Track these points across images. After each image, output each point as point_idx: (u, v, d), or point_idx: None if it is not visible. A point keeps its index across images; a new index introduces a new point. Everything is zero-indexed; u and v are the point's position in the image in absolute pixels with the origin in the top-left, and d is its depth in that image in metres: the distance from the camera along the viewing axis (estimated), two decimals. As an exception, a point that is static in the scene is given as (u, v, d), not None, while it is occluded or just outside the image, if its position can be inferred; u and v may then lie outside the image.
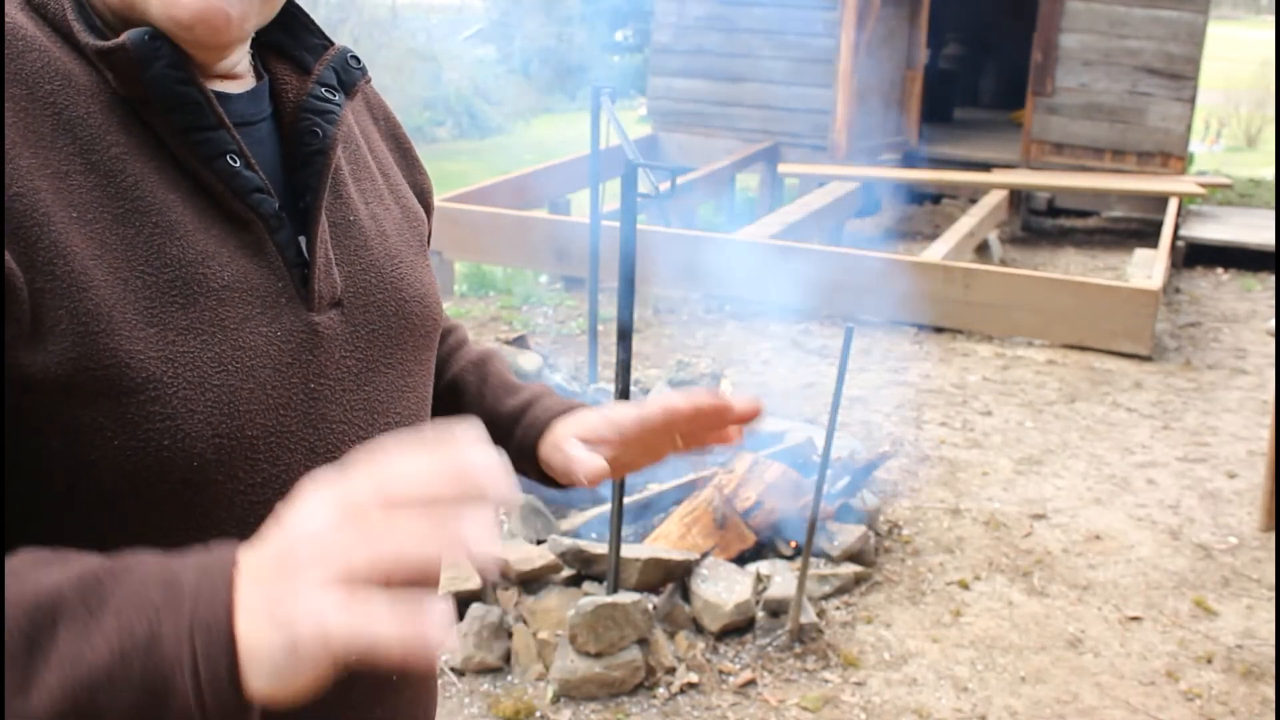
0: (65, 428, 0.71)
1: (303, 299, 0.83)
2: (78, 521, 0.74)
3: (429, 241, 1.04)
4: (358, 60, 0.94)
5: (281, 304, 0.81)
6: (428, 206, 1.07)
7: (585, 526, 3.50)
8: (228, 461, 0.77)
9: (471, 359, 1.16)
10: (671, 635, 3.11)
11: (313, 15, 0.94)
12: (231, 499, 0.78)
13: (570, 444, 1.02)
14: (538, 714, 2.87)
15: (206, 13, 0.77)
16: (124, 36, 0.75)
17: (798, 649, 3.14)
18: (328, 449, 0.84)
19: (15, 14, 0.75)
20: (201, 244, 0.77)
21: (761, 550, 3.46)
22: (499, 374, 1.15)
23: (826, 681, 3.05)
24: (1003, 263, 7.80)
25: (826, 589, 3.44)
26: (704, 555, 3.28)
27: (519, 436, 1.08)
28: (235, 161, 0.80)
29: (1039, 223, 9.47)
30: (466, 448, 0.56)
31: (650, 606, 3.02)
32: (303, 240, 0.84)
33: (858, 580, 3.53)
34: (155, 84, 0.76)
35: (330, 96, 0.90)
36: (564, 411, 1.08)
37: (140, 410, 0.72)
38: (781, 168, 9.38)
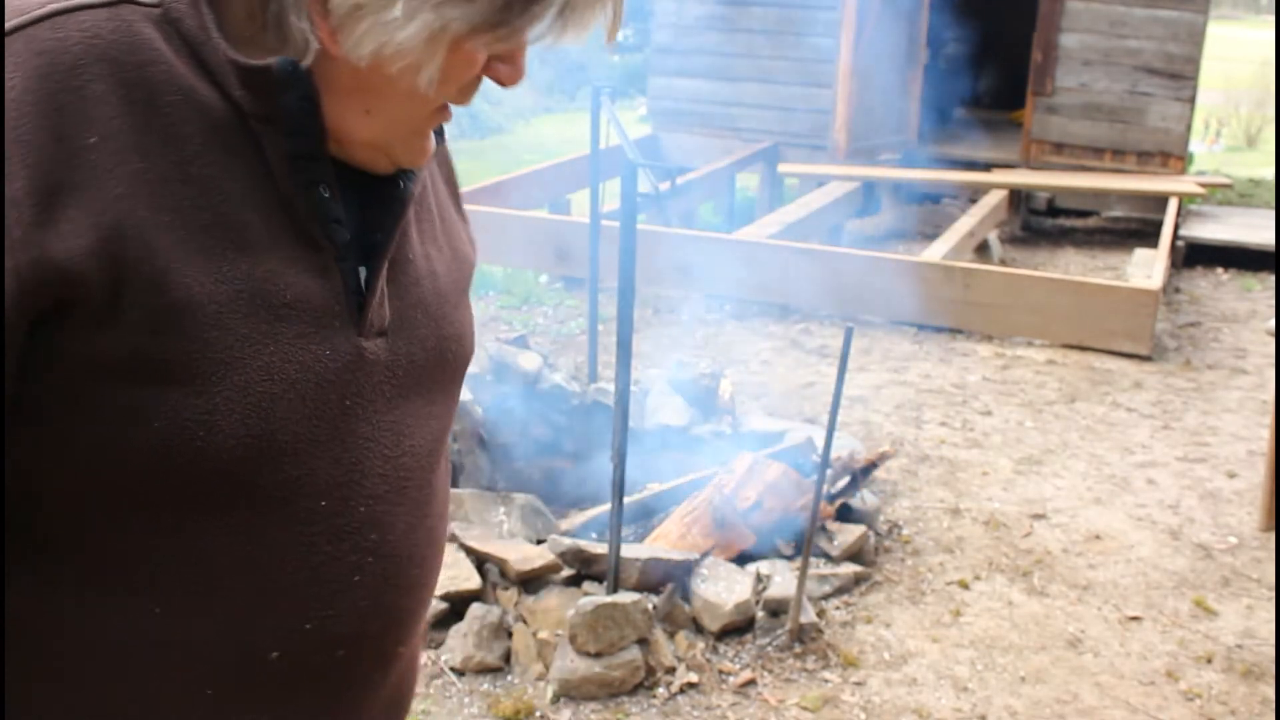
0: (116, 406, 0.79)
1: (355, 324, 0.90)
2: (103, 498, 0.81)
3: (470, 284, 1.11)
4: (441, 130, 1.02)
5: (335, 326, 0.88)
6: (474, 251, 1.15)
7: (585, 526, 3.50)
8: (255, 460, 0.83)
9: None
10: (671, 635, 3.11)
11: None
12: (253, 494, 0.85)
13: None
14: (538, 714, 2.87)
15: (419, 161, 0.92)
16: (272, 60, 0.82)
17: (798, 649, 3.14)
18: (352, 460, 0.91)
19: (146, 28, 0.81)
20: (273, 262, 0.85)
21: (761, 550, 3.46)
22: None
23: (826, 681, 3.05)
24: (1003, 263, 7.80)
25: (826, 589, 3.44)
26: (704, 555, 3.28)
27: None
28: (325, 191, 0.87)
29: (1039, 223, 9.47)
30: None
31: (650, 606, 3.02)
32: (364, 271, 0.91)
33: (858, 580, 3.53)
34: (287, 108, 0.84)
35: None
36: None
37: (184, 402, 0.80)
38: (781, 168, 9.38)
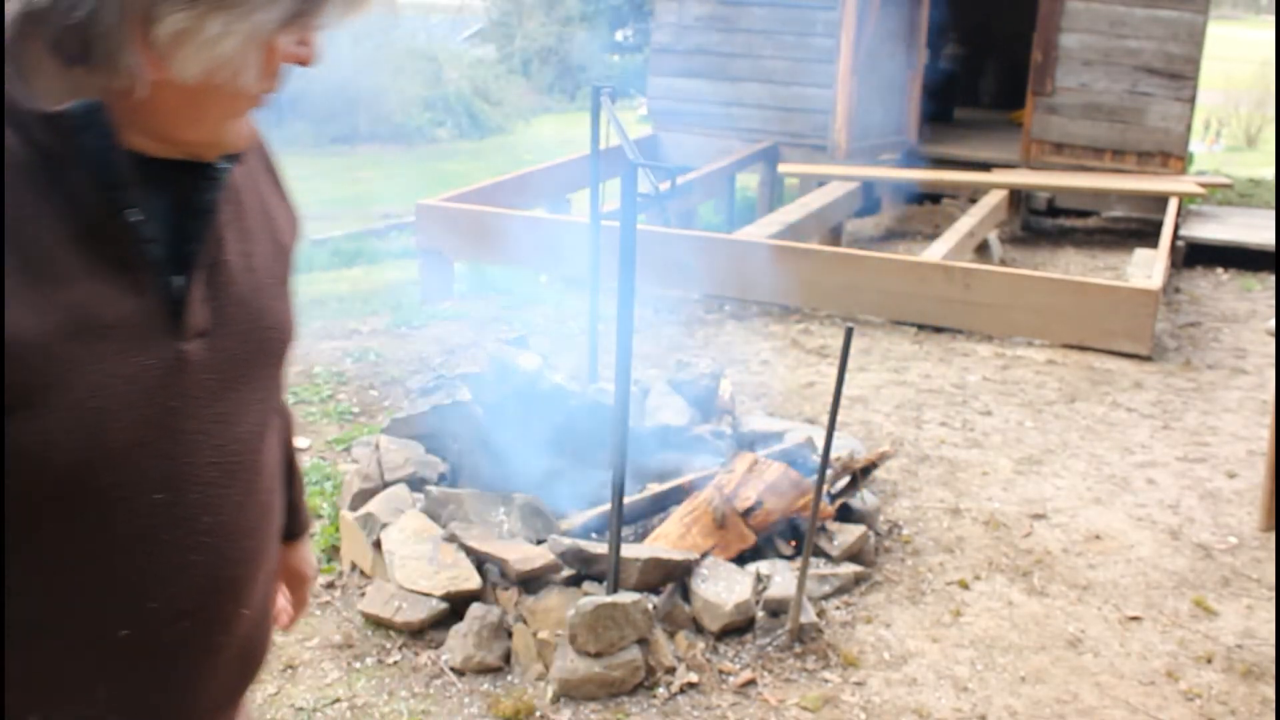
0: None
1: (175, 332, 1.00)
2: None
3: (293, 263, 1.23)
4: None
5: (156, 336, 0.98)
6: (297, 232, 1.25)
7: (585, 526, 3.50)
8: (91, 466, 0.94)
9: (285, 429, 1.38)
10: (671, 635, 3.11)
11: None
12: (93, 495, 0.96)
13: (293, 583, 1.47)
14: (538, 714, 2.87)
15: (241, 144, 1.01)
16: (69, 105, 0.90)
17: (798, 649, 3.14)
18: (182, 454, 1.02)
19: None
20: (91, 288, 0.93)
21: (761, 550, 3.46)
22: (291, 449, 1.42)
23: (826, 681, 3.05)
24: (1003, 263, 7.80)
25: (826, 589, 3.44)
26: (704, 555, 3.28)
27: (285, 521, 1.36)
28: (134, 216, 0.95)
29: (1039, 223, 9.47)
30: None
31: (650, 606, 3.02)
32: (180, 280, 1.01)
33: (858, 580, 3.53)
34: (86, 146, 0.92)
35: (222, 163, 1.05)
36: (308, 529, 1.49)
37: (24, 425, 0.90)
38: (781, 168, 9.38)
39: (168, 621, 1.05)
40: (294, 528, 1.49)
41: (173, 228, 1.01)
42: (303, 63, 0.99)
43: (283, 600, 1.54)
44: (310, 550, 1.57)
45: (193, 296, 1.01)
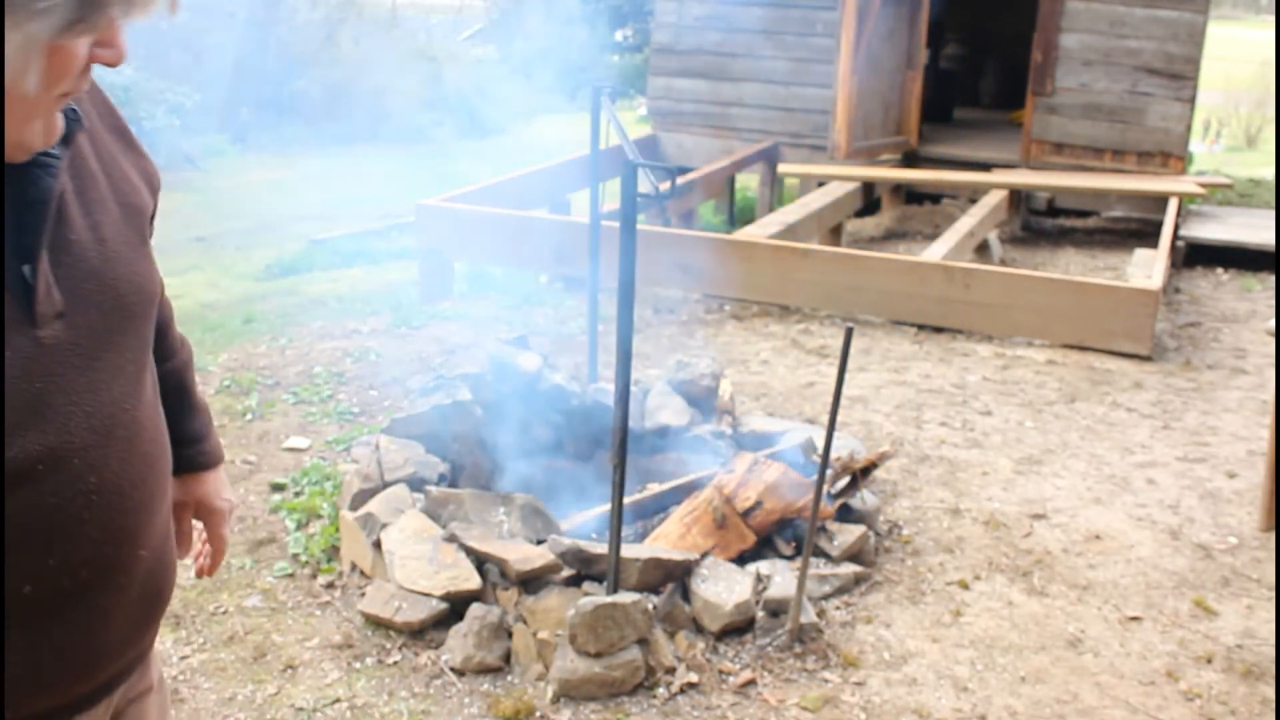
0: None
1: (29, 319, 1.07)
2: None
3: (153, 220, 1.30)
4: (74, 111, 1.15)
5: (11, 328, 1.06)
6: (153, 186, 1.31)
7: (585, 526, 3.50)
8: None
9: (176, 364, 1.51)
10: (671, 635, 3.11)
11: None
12: None
13: (206, 518, 1.57)
14: (538, 714, 2.87)
15: (50, 141, 1.06)
16: None
17: (798, 649, 3.14)
18: (56, 428, 1.10)
19: None
20: None
21: (761, 550, 3.46)
22: (190, 383, 1.56)
23: (826, 681, 3.05)
24: (1003, 263, 7.80)
25: (826, 589, 3.44)
26: (704, 555, 3.28)
27: (188, 454, 1.52)
28: None
29: (1039, 223, 9.47)
30: None
31: (650, 606, 3.02)
32: (28, 269, 1.07)
33: (858, 580, 3.53)
34: None
35: (53, 152, 1.11)
36: (217, 462, 1.58)
37: None
38: (781, 168, 9.38)
39: (68, 573, 1.15)
40: (202, 460, 1.57)
41: (14, 222, 1.07)
42: (110, 64, 1.05)
43: (200, 543, 1.61)
44: (223, 482, 1.61)
45: (40, 285, 1.08)
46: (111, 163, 1.24)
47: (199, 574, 1.63)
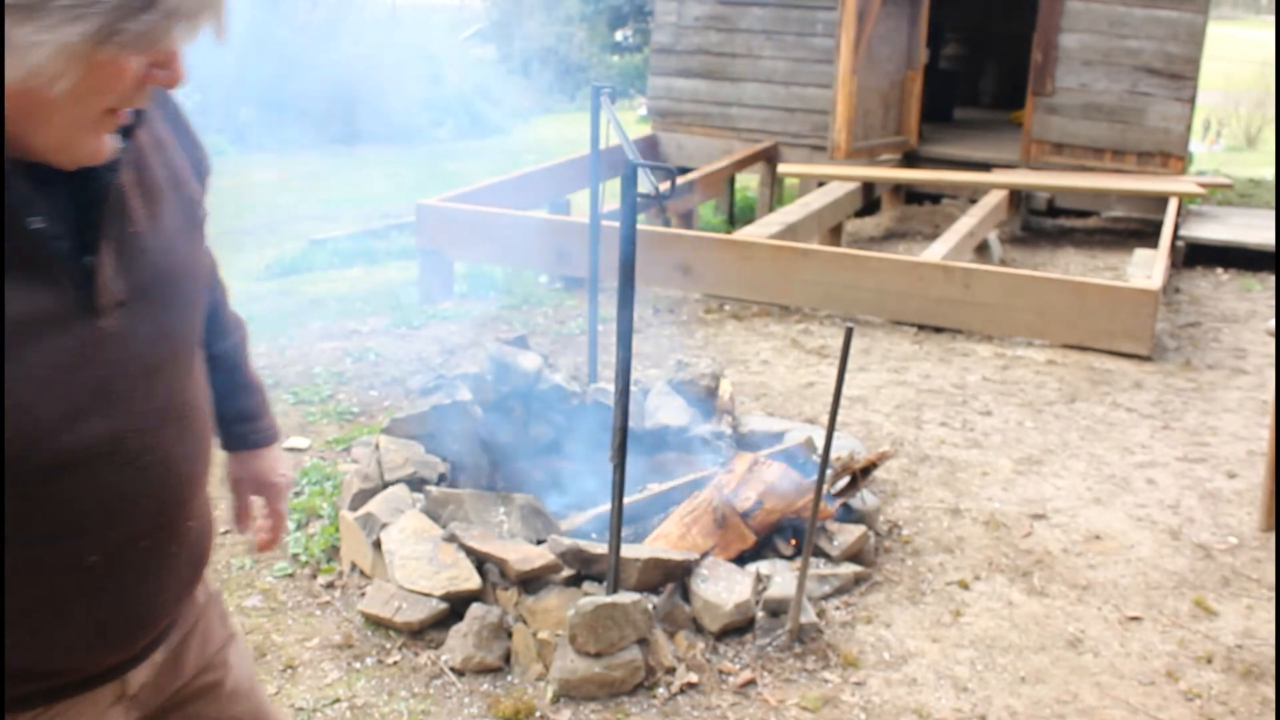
0: None
1: (92, 310, 1.13)
2: None
3: (204, 207, 1.36)
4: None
5: (74, 319, 1.12)
6: (202, 173, 1.38)
7: (585, 526, 3.50)
8: (41, 440, 1.10)
9: (230, 345, 1.59)
10: (671, 635, 3.11)
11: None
12: (53, 462, 1.12)
13: (265, 493, 1.67)
14: (538, 714, 2.87)
15: (97, 158, 1.11)
16: None
17: (797, 649, 3.14)
18: (117, 411, 1.17)
19: None
20: (14, 293, 1.06)
21: (761, 550, 3.46)
22: (245, 363, 1.63)
23: (826, 681, 3.05)
24: (1003, 263, 7.80)
25: (826, 589, 3.44)
26: (704, 555, 3.28)
27: (243, 432, 1.63)
28: (37, 222, 1.08)
29: (1039, 223, 9.47)
30: None
31: (650, 606, 3.02)
32: (90, 261, 1.13)
33: (857, 580, 3.53)
34: None
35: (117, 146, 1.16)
36: (274, 439, 1.66)
37: None
38: (781, 168, 9.38)
39: (130, 544, 1.24)
40: (258, 437, 1.65)
41: (76, 219, 1.13)
42: (167, 85, 1.09)
43: (261, 519, 1.70)
44: (280, 458, 1.69)
45: (102, 276, 1.14)
46: (168, 152, 1.29)
47: (260, 548, 1.71)
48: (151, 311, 1.21)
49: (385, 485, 3.55)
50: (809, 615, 3.20)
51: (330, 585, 3.45)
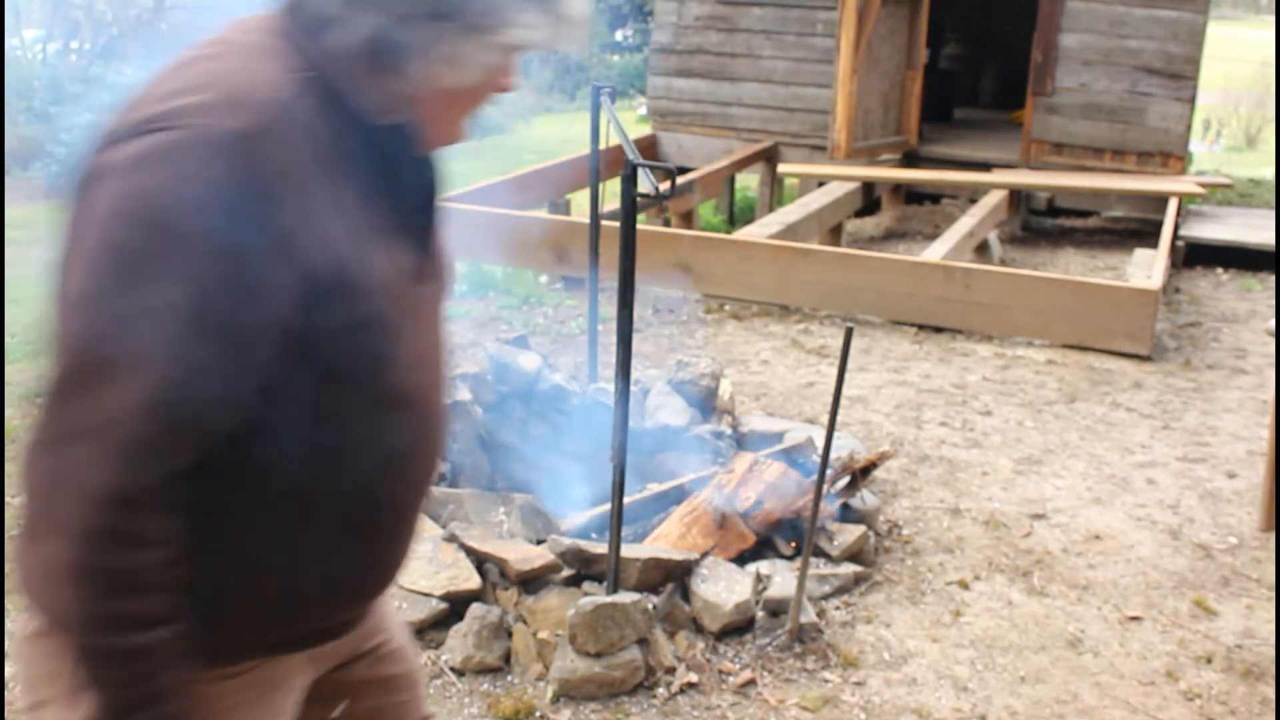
0: (331, 346, 1.19)
1: (422, 277, 1.30)
2: (331, 403, 1.21)
3: None
4: None
5: (417, 281, 1.29)
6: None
7: (585, 526, 3.50)
8: (407, 370, 1.27)
9: None
10: (671, 635, 3.11)
11: None
12: (403, 394, 1.28)
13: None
14: (538, 714, 2.87)
15: (456, 142, 1.31)
16: (395, 118, 1.23)
17: (797, 649, 3.14)
18: (426, 372, 1.33)
19: (299, 93, 1.16)
20: (398, 249, 1.25)
21: (761, 550, 3.46)
22: None
23: (826, 681, 3.05)
24: (1003, 263, 7.80)
25: (826, 589, 3.44)
26: (704, 555, 3.28)
27: None
28: (409, 195, 1.29)
29: (1039, 223, 9.47)
30: None
31: (650, 606, 3.02)
32: (424, 239, 1.32)
33: (857, 580, 3.53)
34: (397, 148, 1.25)
35: None
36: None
37: (377, 340, 1.21)
38: (781, 168, 9.38)
39: (411, 493, 1.36)
40: None
41: (416, 201, 1.32)
42: (511, 86, 1.31)
43: None
44: None
45: (433, 249, 1.33)
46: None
47: None
48: (440, 286, 1.38)
49: (385, 485, 3.54)
50: (809, 615, 3.20)
51: (330, 585, 3.44)
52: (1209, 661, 3.21)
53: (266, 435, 1.18)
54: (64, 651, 1.14)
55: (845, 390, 3.12)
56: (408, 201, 1.28)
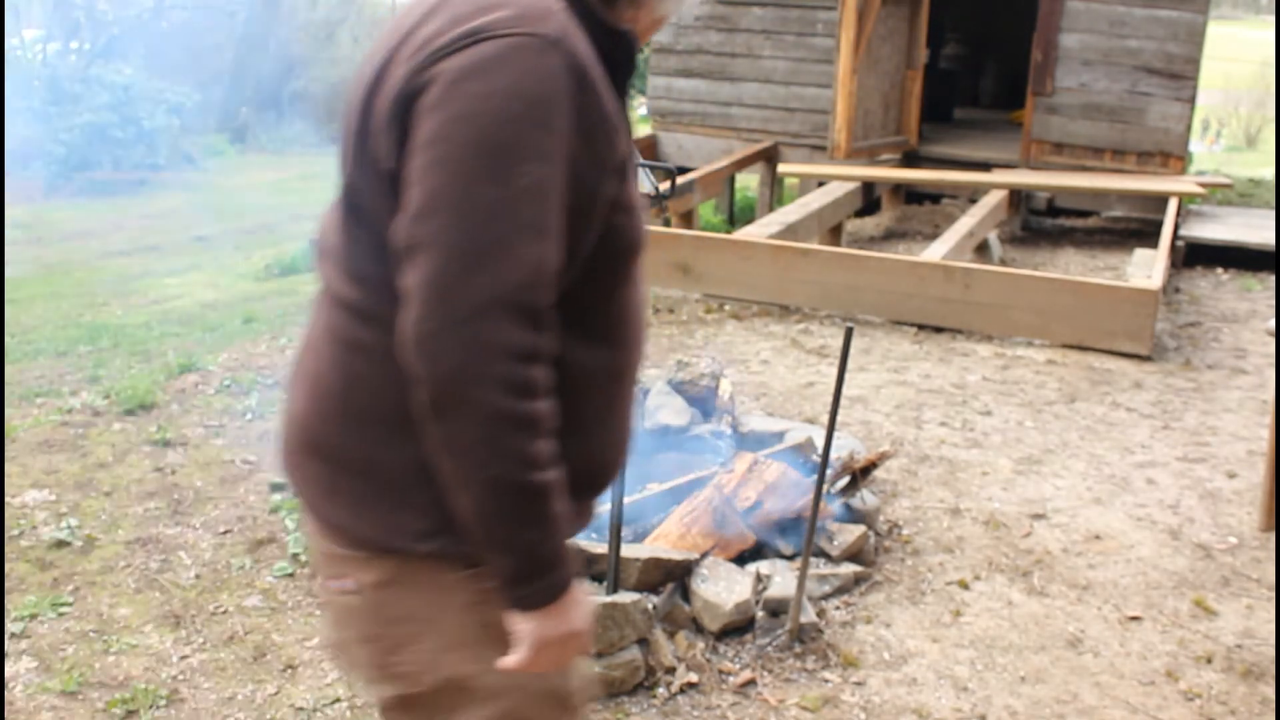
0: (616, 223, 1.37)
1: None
2: (604, 270, 1.39)
3: None
4: None
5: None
6: None
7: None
8: (639, 251, 1.44)
9: None
10: (671, 635, 3.11)
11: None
12: (635, 273, 1.46)
13: None
14: (537, 714, 2.87)
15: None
16: (625, 29, 1.39)
17: (797, 649, 3.14)
18: (637, 346, 1.49)
19: (566, 7, 1.31)
20: (622, 145, 1.36)
21: (761, 550, 3.46)
22: None
23: (826, 681, 3.05)
24: (1003, 263, 7.80)
25: (826, 589, 3.44)
26: (704, 555, 3.28)
27: None
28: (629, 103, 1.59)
29: (1039, 223, 9.47)
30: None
31: (650, 606, 3.02)
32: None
33: (857, 580, 3.53)
34: (625, 56, 1.39)
35: None
36: None
37: (625, 221, 1.38)
38: (781, 168, 9.38)
39: (636, 380, 1.52)
40: None
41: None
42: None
43: None
44: None
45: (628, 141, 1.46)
46: None
47: None
48: None
49: (385, 485, 3.54)
50: (809, 615, 3.20)
51: (330, 585, 3.44)
52: (1209, 661, 3.21)
53: (573, 302, 1.34)
54: (463, 532, 1.34)
55: (845, 390, 3.12)
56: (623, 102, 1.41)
